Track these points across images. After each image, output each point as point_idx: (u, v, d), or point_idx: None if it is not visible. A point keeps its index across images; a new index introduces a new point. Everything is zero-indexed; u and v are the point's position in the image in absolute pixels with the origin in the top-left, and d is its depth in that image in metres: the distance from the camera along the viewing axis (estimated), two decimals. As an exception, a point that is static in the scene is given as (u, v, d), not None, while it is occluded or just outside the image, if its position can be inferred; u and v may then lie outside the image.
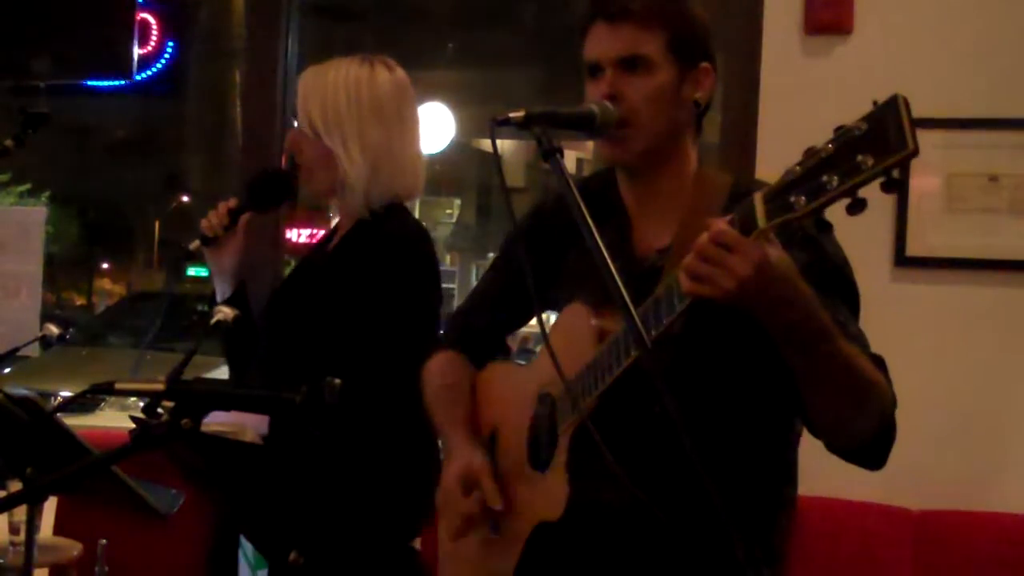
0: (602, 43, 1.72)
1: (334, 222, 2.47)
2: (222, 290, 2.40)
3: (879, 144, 1.25)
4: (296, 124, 2.36)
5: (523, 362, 2.03)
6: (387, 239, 2.26)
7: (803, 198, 1.33)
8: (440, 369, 2.02)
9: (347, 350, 2.21)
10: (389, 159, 2.28)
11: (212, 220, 2.34)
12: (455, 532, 1.85)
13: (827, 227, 1.56)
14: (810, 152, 1.33)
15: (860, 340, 1.63)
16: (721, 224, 1.42)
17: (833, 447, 1.63)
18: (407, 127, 2.33)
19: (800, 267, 1.49)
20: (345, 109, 2.27)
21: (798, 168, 1.34)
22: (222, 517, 2.32)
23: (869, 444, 1.61)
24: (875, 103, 1.27)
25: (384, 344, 2.23)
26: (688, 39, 1.73)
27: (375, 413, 2.25)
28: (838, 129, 1.31)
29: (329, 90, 2.27)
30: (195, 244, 2.34)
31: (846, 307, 1.65)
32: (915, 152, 1.23)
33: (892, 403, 1.61)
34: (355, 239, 2.31)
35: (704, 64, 1.75)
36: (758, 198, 1.39)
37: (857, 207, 1.29)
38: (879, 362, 1.63)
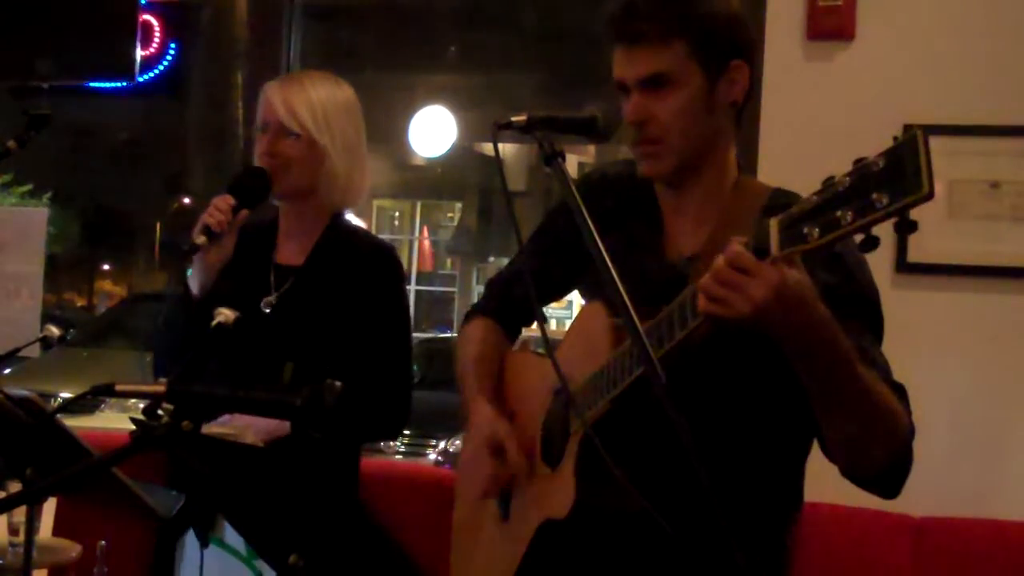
0: (623, 65, 1.70)
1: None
2: (202, 288, 2.34)
3: (895, 183, 1.23)
4: (262, 128, 2.41)
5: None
6: (383, 250, 2.48)
7: (816, 230, 1.31)
8: (475, 338, 2.00)
9: (356, 360, 2.32)
10: (360, 161, 2.46)
11: (218, 216, 2.28)
12: (482, 492, 1.86)
13: (837, 256, 1.55)
14: (828, 183, 1.32)
15: (882, 368, 1.60)
16: (738, 247, 1.40)
17: (847, 473, 1.62)
18: (364, 138, 2.49)
19: (823, 288, 1.47)
20: (331, 109, 2.41)
21: (815, 198, 1.33)
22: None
23: (884, 472, 1.60)
24: (895, 138, 1.25)
25: (392, 352, 2.40)
26: (712, 41, 1.67)
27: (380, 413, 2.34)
28: (857, 161, 1.29)
29: (312, 93, 2.40)
30: (202, 239, 2.27)
31: (870, 334, 1.62)
32: (930, 195, 1.21)
33: (909, 432, 1.59)
34: (336, 247, 2.44)
35: (736, 61, 1.69)
36: (774, 224, 1.38)
37: (869, 244, 1.28)
38: (899, 390, 1.61)
